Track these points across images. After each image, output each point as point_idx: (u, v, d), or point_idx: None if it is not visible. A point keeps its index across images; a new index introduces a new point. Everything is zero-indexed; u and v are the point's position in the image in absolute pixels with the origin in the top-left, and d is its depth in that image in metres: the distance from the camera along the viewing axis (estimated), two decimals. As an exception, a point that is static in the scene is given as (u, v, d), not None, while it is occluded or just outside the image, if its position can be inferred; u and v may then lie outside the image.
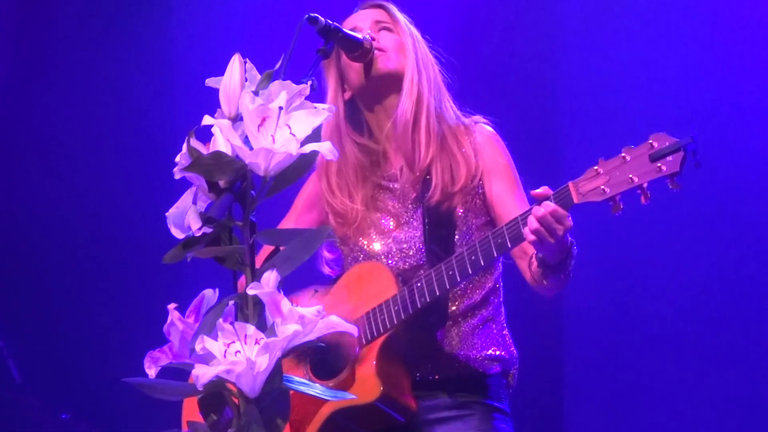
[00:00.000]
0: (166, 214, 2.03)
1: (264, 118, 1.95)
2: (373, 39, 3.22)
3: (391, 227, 3.25)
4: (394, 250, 3.23)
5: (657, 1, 4.96)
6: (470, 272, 3.01)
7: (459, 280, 3.03)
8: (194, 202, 2.01)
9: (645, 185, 2.73)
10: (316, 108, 1.99)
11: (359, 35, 3.19)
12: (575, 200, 2.81)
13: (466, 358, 3.17)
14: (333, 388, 3.08)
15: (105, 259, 5.38)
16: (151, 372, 1.99)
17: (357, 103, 3.32)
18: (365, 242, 3.26)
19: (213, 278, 2.10)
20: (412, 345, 3.15)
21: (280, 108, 1.96)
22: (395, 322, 3.07)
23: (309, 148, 1.96)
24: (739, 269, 4.81)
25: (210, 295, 2.03)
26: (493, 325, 3.23)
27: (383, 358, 3.09)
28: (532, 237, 2.84)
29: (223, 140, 1.98)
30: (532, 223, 2.82)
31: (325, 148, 1.97)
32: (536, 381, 4.79)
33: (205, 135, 2.02)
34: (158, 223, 2.08)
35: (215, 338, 1.90)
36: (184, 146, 2.00)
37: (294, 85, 2.01)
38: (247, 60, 2.05)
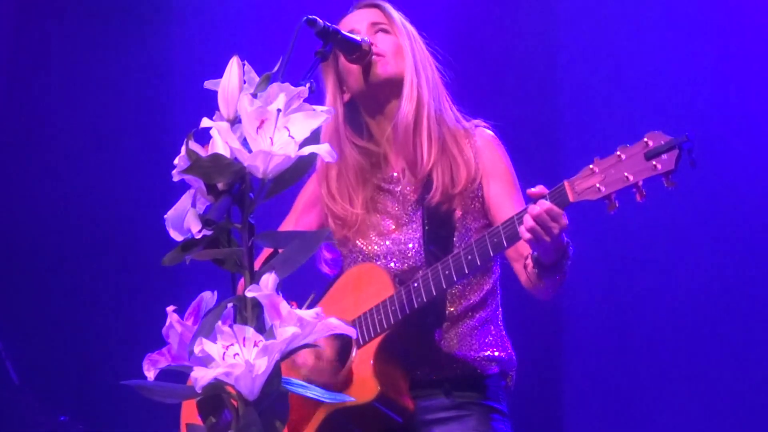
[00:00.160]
0: (165, 216, 2.03)
1: (262, 121, 1.96)
2: (371, 44, 3.22)
3: (391, 229, 3.26)
4: (393, 251, 3.23)
5: (654, 1, 4.97)
6: (467, 272, 3.01)
7: (456, 279, 3.03)
8: (193, 205, 2.01)
9: (640, 183, 2.73)
10: (314, 110, 1.99)
11: (358, 37, 3.18)
12: (571, 199, 2.82)
13: (464, 359, 3.17)
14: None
15: (104, 261, 5.38)
16: (150, 374, 1.99)
17: (356, 105, 3.31)
18: (364, 243, 3.26)
19: (212, 280, 2.10)
20: (410, 345, 3.15)
21: (279, 110, 1.96)
22: (392, 322, 3.08)
23: (307, 150, 1.96)
24: (738, 269, 4.81)
25: (209, 297, 2.03)
26: (491, 327, 3.23)
27: (381, 358, 3.09)
28: (527, 235, 2.84)
29: (222, 143, 1.98)
30: (528, 221, 2.83)
31: (323, 150, 1.97)
32: (535, 382, 4.79)
33: (204, 137, 2.02)
34: (157, 226, 2.08)
35: (214, 341, 1.90)
36: (183, 149, 2.00)
37: (292, 87, 2.01)
38: (246, 62, 2.05)
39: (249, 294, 1.93)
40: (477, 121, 3.32)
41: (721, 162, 4.76)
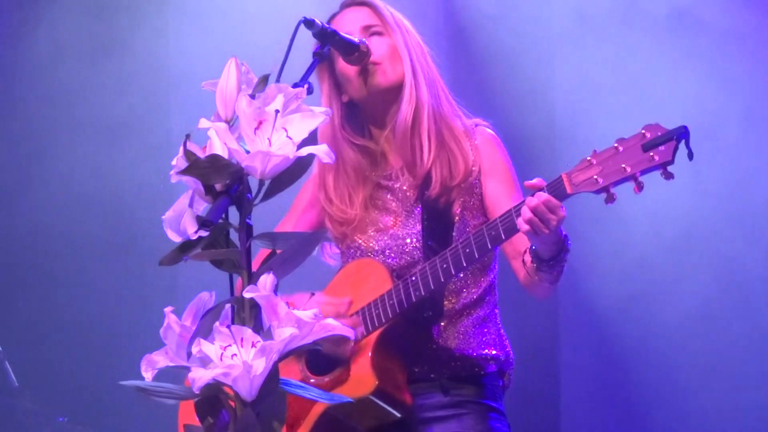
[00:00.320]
0: (163, 217, 2.02)
1: (260, 122, 1.96)
2: (369, 44, 3.21)
3: (390, 224, 3.26)
4: (392, 246, 3.23)
5: (651, 6, 4.97)
6: (464, 265, 3.01)
7: (453, 272, 3.03)
8: (191, 206, 2.01)
9: (638, 175, 2.74)
10: (312, 111, 1.99)
11: (355, 38, 3.18)
12: (568, 190, 2.82)
13: (461, 357, 3.17)
14: (329, 383, 3.09)
15: (102, 262, 5.37)
16: (148, 375, 1.99)
17: (356, 106, 3.30)
18: (363, 240, 3.26)
19: (210, 281, 2.10)
20: (408, 340, 3.15)
21: (277, 111, 1.96)
22: (390, 316, 3.08)
23: (305, 151, 1.96)
24: (737, 267, 4.81)
25: (206, 298, 2.03)
26: (489, 325, 3.23)
27: (378, 352, 3.09)
28: (525, 227, 2.84)
29: (220, 143, 1.98)
30: (526, 213, 2.83)
31: (321, 150, 1.97)
32: (532, 381, 4.80)
33: (202, 138, 2.02)
34: (155, 227, 2.08)
35: (212, 341, 1.90)
36: (181, 149, 2.00)
37: (290, 88, 2.01)
38: (244, 63, 2.05)
39: (247, 295, 1.93)
40: (477, 120, 3.32)
41: (718, 158, 4.76)
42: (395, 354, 3.13)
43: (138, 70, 5.39)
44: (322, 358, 3.15)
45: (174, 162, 2.00)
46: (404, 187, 3.26)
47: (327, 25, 3.08)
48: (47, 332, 5.37)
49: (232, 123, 2.02)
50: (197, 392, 1.89)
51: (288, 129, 1.96)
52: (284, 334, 1.89)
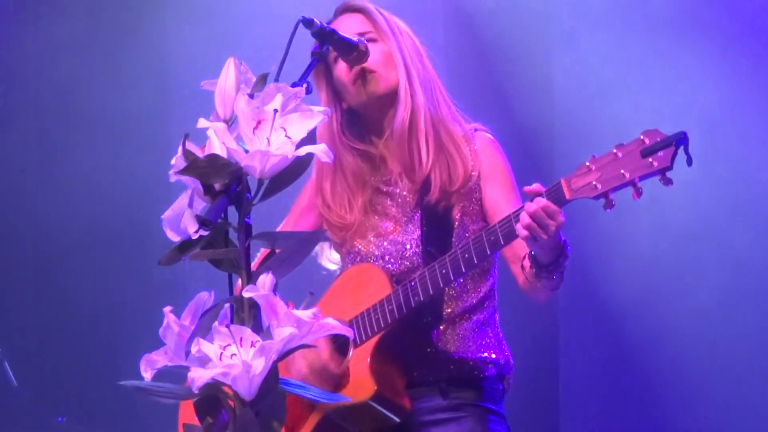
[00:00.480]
0: (162, 217, 2.02)
1: (259, 121, 1.95)
2: (367, 44, 3.21)
3: (390, 230, 3.26)
4: (392, 251, 3.23)
5: (650, 7, 4.97)
6: (464, 270, 3.01)
7: (453, 278, 3.03)
8: (190, 205, 2.01)
9: (636, 181, 2.73)
10: (311, 110, 1.99)
11: (354, 38, 3.18)
12: (567, 196, 2.82)
13: (461, 360, 3.17)
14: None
15: (101, 262, 5.37)
16: (147, 375, 1.99)
17: (355, 111, 3.30)
18: (363, 245, 3.26)
19: (209, 281, 2.09)
20: (407, 345, 3.15)
21: (276, 111, 1.96)
22: (389, 321, 3.07)
23: (304, 150, 1.96)
24: (736, 269, 4.81)
25: (206, 297, 2.03)
26: (489, 329, 3.23)
27: (377, 357, 3.09)
28: (524, 233, 2.84)
29: (219, 143, 1.98)
30: (525, 218, 2.83)
31: (320, 150, 1.97)
32: (531, 385, 4.79)
33: (201, 138, 2.01)
34: (154, 226, 2.07)
35: (211, 341, 1.90)
36: (180, 149, 1.99)
37: (289, 87, 2.01)
38: (243, 63, 2.05)
39: (246, 294, 1.93)
40: (476, 125, 3.32)
41: (718, 161, 4.76)
42: (394, 359, 3.13)
43: (137, 70, 5.40)
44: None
45: (173, 161, 2.00)
46: (404, 193, 3.26)
47: (326, 25, 3.08)
48: (46, 332, 5.37)
49: (230, 123, 2.02)
50: (196, 392, 1.89)
51: (287, 128, 1.96)
52: (283, 333, 1.89)
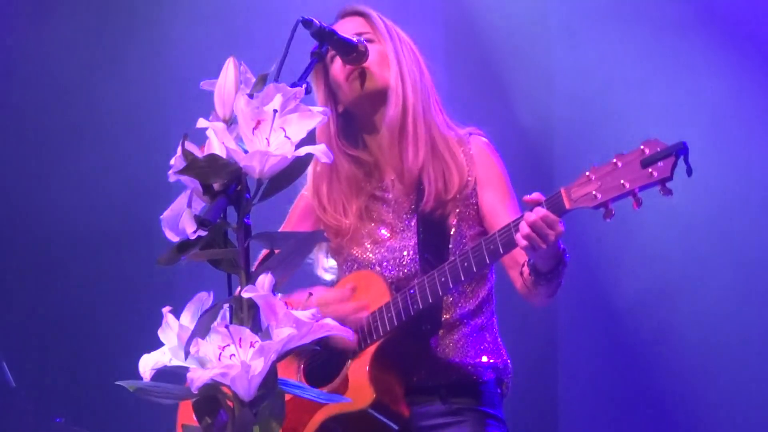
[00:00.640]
0: (161, 217, 2.02)
1: (259, 121, 1.95)
2: (366, 45, 3.22)
3: (386, 237, 3.26)
4: (389, 258, 3.23)
5: (649, 6, 4.97)
6: (463, 279, 3.01)
7: (451, 287, 3.03)
8: (189, 205, 2.01)
9: (636, 191, 2.73)
10: (310, 111, 1.99)
11: (354, 38, 3.18)
12: (567, 206, 2.82)
13: (459, 365, 3.17)
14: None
15: (99, 262, 5.37)
16: (146, 375, 1.99)
17: (350, 115, 3.31)
18: (359, 252, 3.27)
19: (208, 281, 2.09)
20: (406, 352, 3.15)
21: (275, 111, 1.96)
22: (388, 329, 3.07)
23: (304, 150, 1.96)
24: (732, 272, 4.81)
25: (205, 298, 2.03)
26: (487, 334, 3.23)
27: (376, 365, 3.09)
28: (524, 243, 2.84)
29: (218, 143, 1.97)
30: (524, 228, 2.83)
31: (319, 150, 1.97)
32: (531, 389, 4.79)
33: (200, 138, 2.01)
34: (153, 226, 2.07)
35: (210, 341, 1.90)
36: (179, 149, 1.99)
37: (289, 87, 2.00)
38: (242, 63, 2.05)
39: (245, 294, 1.93)
40: (471, 129, 3.33)
41: (718, 169, 4.76)
42: (393, 366, 3.13)
43: (136, 68, 5.39)
44: (320, 370, 3.15)
45: (172, 161, 2.00)
46: (399, 199, 3.27)
47: (325, 25, 3.08)
48: (44, 332, 5.36)
49: (230, 123, 2.02)
50: (195, 392, 1.89)
51: (286, 129, 1.96)
52: (282, 334, 1.89)
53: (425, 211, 3.21)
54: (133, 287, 5.28)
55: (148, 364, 1.99)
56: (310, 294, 3.07)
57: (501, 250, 2.93)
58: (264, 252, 2.11)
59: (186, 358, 1.94)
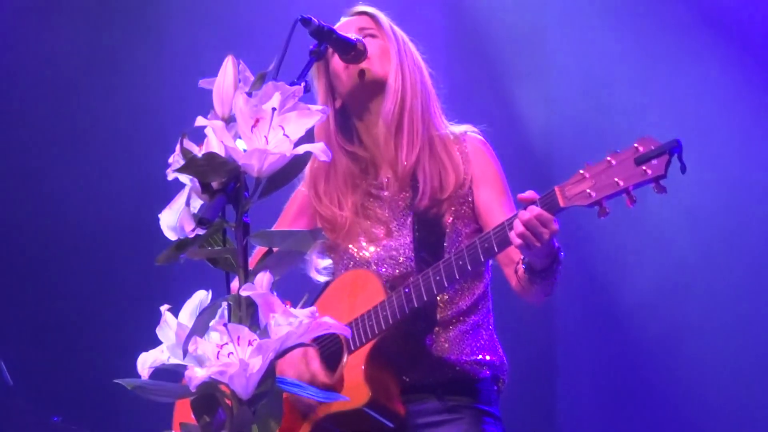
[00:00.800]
0: (160, 215, 2.02)
1: (257, 120, 1.95)
2: (365, 44, 3.22)
3: (382, 235, 3.26)
4: (384, 257, 3.23)
5: (648, 5, 4.97)
6: (457, 277, 3.02)
7: (446, 285, 3.04)
8: (187, 204, 2.01)
9: (630, 189, 2.74)
10: (309, 109, 1.99)
11: (353, 36, 3.19)
12: (561, 204, 2.82)
13: (455, 363, 3.17)
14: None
15: (97, 260, 5.37)
16: (144, 374, 1.99)
17: (347, 111, 3.32)
18: (355, 249, 3.27)
19: (206, 280, 2.09)
20: (402, 351, 3.15)
21: (274, 109, 1.96)
22: (383, 327, 3.08)
23: (302, 149, 1.96)
24: (730, 271, 4.81)
25: (203, 296, 2.03)
26: (483, 331, 3.23)
27: (372, 363, 3.09)
28: (518, 241, 2.84)
29: (217, 141, 1.97)
30: (518, 227, 2.83)
31: (318, 149, 1.97)
32: (528, 386, 4.80)
33: (199, 136, 2.01)
34: (151, 225, 2.07)
35: (208, 340, 1.90)
36: (177, 147, 1.99)
37: (287, 86, 2.00)
38: (241, 61, 2.04)
39: (243, 293, 1.93)
40: (467, 127, 3.33)
41: (715, 167, 4.76)
42: (388, 365, 3.13)
43: (134, 67, 5.39)
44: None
45: (171, 159, 2.00)
46: (395, 197, 3.27)
47: (324, 24, 3.09)
48: (41, 331, 5.36)
49: (229, 121, 2.02)
50: (193, 390, 1.88)
51: (285, 127, 1.96)
52: (281, 332, 1.89)
53: (420, 209, 3.21)
54: (131, 285, 5.28)
55: (146, 362, 1.99)
56: (308, 294, 3.09)
57: (496, 248, 2.94)
58: (258, 249, 2.11)
59: (184, 356, 1.93)
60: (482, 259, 2.97)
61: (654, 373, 4.93)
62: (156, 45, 5.43)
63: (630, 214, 4.74)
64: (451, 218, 3.23)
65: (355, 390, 3.05)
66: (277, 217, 3.42)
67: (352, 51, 3.19)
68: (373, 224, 3.28)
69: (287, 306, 1.93)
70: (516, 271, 3.06)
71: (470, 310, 3.21)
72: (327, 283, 3.32)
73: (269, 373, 1.90)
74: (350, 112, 3.32)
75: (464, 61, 5.13)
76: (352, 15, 3.34)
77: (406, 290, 3.06)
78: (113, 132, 5.40)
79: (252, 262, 2.01)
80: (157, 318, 2.00)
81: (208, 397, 1.95)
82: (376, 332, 3.09)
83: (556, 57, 5.10)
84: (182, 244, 1.99)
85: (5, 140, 5.43)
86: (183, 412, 3.08)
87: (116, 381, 1.97)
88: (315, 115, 1.98)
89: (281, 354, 1.91)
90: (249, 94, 2.00)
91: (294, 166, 1.99)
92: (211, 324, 1.93)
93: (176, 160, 2.00)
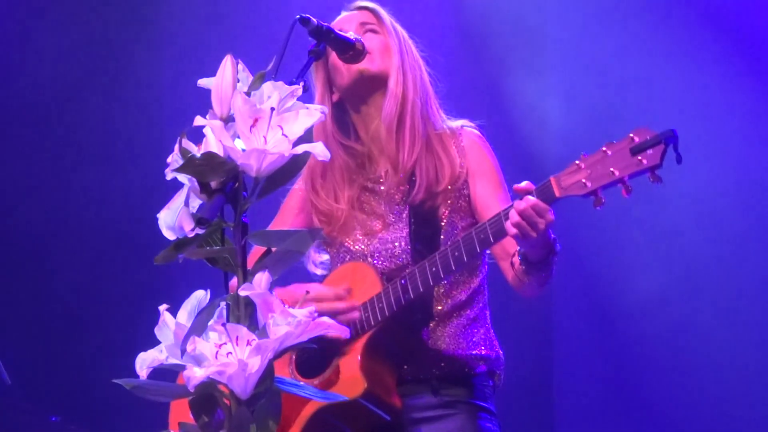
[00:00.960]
0: (158, 215, 2.02)
1: (256, 119, 1.95)
2: (364, 43, 3.23)
3: (378, 228, 3.27)
4: (380, 250, 3.24)
5: (647, 4, 4.97)
6: (453, 268, 3.02)
7: (443, 276, 3.04)
8: (186, 203, 2.00)
9: (626, 178, 2.74)
10: (308, 109, 1.99)
11: (351, 36, 3.19)
12: (557, 194, 2.83)
13: (451, 357, 3.18)
14: (318, 386, 3.09)
15: (96, 260, 5.37)
16: (143, 373, 1.99)
17: (344, 105, 3.33)
18: (351, 243, 3.28)
19: (205, 279, 2.09)
20: (398, 343, 3.16)
21: (272, 109, 1.96)
22: (379, 319, 3.08)
23: (301, 148, 1.96)
24: (728, 268, 4.81)
25: (201, 296, 2.03)
26: (479, 326, 3.24)
27: (368, 355, 3.10)
28: (513, 231, 2.85)
29: (215, 141, 1.97)
30: (514, 216, 2.84)
31: (317, 149, 1.97)
32: (524, 381, 4.80)
33: (197, 136, 2.01)
34: (150, 224, 2.07)
35: (207, 339, 1.90)
36: (176, 147, 1.99)
37: (286, 86, 2.00)
38: (240, 61, 2.04)
39: (242, 293, 1.92)
40: (463, 122, 3.34)
41: (712, 162, 4.76)
42: (385, 357, 3.14)
43: (134, 66, 5.39)
44: (311, 361, 3.15)
45: (169, 159, 2.00)
46: (391, 191, 3.28)
47: (322, 23, 3.09)
48: (39, 331, 5.36)
49: (227, 121, 2.01)
50: (192, 390, 1.88)
51: (283, 127, 1.96)
52: (279, 332, 1.89)
53: (416, 203, 3.22)
54: (129, 285, 5.28)
55: (144, 362, 1.99)
56: (308, 292, 3.09)
57: (491, 238, 2.94)
58: (255, 248, 2.11)
59: (183, 356, 1.93)
60: (478, 250, 2.98)
61: (651, 369, 4.93)
62: (155, 45, 5.43)
63: (630, 209, 4.77)
64: (447, 211, 3.23)
65: (350, 381, 3.07)
66: (276, 217, 3.42)
67: (350, 51, 3.19)
68: (369, 217, 3.28)
69: (286, 304, 1.93)
70: (512, 264, 3.06)
71: (466, 303, 3.22)
72: (324, 276, 3.33)
73: (268, 372, 1.90)
74: (348, 106, 3.32)
75: (462, 57, 5.13)
76: (354, 9, 3.34)
77: (403, 281, 3.07)
78: (112, 132, 5.40)
79: (250, 261, 2.01)
80: (155, 318, 1.99)
81: (207, 396, 1.95)
82: (373, 324, 3.09)
83: (554, 53, 5.10)
84: (181, 243, 1.98)
85: (5, 140, 5.43)
86: (179, 412, 3.09)
87: (115, 381, 1.97)
88: (314, 114, 1.98)
89: (280, 354, 1.91)
90: (248, 94, 2.00)
91: (292, 166, 1.99)
92: (209, 324, 1.93)
93: (175, 159, 2.00)
